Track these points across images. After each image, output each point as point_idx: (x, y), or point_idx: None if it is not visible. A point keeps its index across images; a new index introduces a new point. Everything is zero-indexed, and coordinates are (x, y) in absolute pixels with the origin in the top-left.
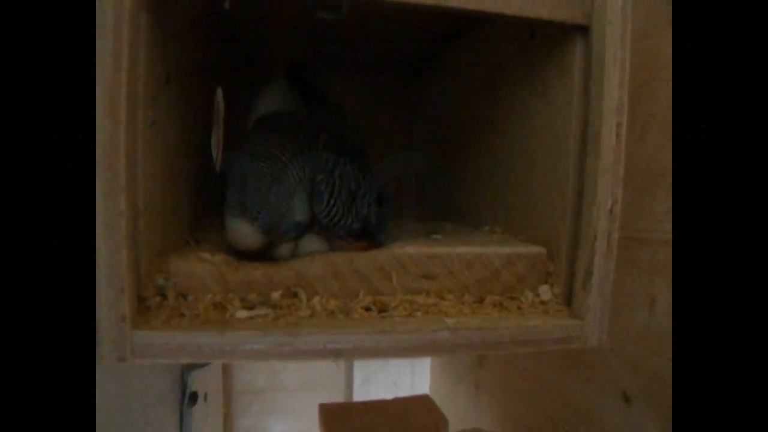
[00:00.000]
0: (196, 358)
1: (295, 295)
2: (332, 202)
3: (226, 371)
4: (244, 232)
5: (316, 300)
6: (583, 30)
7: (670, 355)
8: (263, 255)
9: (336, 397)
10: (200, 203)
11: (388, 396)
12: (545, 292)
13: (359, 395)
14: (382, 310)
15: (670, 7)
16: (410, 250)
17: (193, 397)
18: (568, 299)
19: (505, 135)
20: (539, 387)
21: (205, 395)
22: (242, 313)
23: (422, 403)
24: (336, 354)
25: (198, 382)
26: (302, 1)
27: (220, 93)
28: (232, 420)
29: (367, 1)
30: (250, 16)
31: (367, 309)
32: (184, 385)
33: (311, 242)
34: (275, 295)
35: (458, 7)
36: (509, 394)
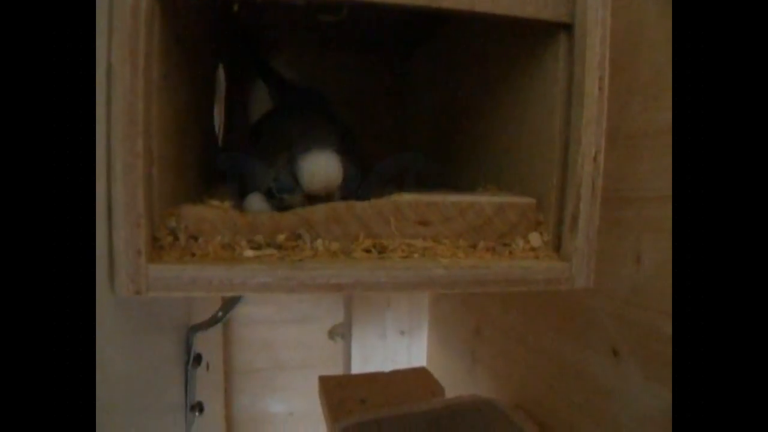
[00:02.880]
0: (208, 291)
1: (299, 237)
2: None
3: (227, 350)
4: (333, 164)
5: (319, 242)
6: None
7: (656, 307)
8: None
9: None
10: (203, 173)
11: None
12: (535, 239)
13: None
14: (381, 251)
15: None
16: (407, 197)
17: (198, 359)
18: (557, 246)
19: (497, 101)
20: (534, 352)
21: (208, 365)
22: (249, 253)
23: (419, 373)
24: (338, 288)
25: (202, 349)
26: (305, 6)
27: (221, 70)
28: (232, 399)
29: (363, 4)
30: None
31: (367, 251)
32: (188, 347)
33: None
34: (280, 237)
35: (450, 7)
36: (505, 362)
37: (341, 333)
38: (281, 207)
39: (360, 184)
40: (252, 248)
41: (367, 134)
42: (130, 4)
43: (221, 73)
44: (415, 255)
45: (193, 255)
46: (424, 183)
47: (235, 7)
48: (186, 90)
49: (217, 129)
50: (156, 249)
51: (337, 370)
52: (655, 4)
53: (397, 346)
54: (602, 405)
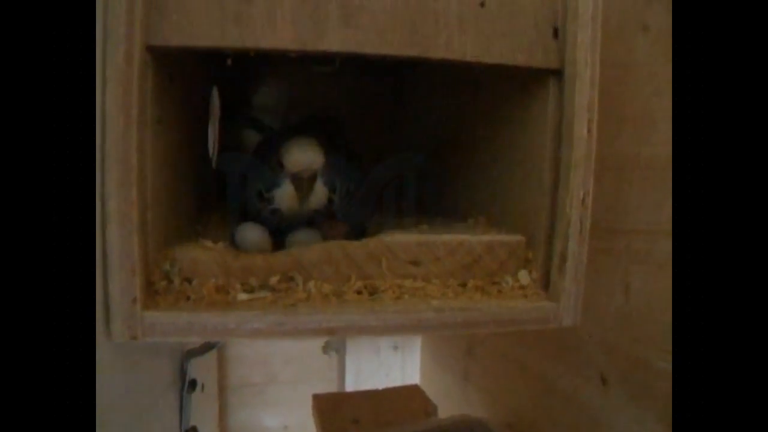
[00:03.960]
0: (203, 336)
1: (292, 279)
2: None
3: (221, 366)
4: (312, 146)
5: (311, 284)
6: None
7: (643, 338)
8: None
9: (329, 389)
10: (200, 197)
11: (380, 387)
12: (524, 277)
13: (351, 387)
14: (373, 293)
15: (643, 11)
16: (399, 237)
17: (193, 384)
18: (546, 284)
19: (488, 136)
20: (525, 374)
21: (203, 386)
22: (243, 296)
23: (412, 391)
24: (330, 332)
25: (196, 370)
26: (301, 58)
27: (215, 92)
28: (227, 413)
29: (357, 55)
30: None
31: (359, 292)
32: (184, 373)
33: (307, 234)
34: (273, 279)
35: (442, 57)
36: (496, 382)
37: (335, 348)
38: (272, 218)
39: (357, 191)
40: (245, 291)
41: (362, 153)
42: (123, 53)
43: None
44: (406, 296)
45: (188, 298)
46: (422, 205)
47: (229, 61)
48: (180, 126)
49: (211, 148)
50: (151, 294)
51: (331, 385)
52: (644, 44)
53: (390, 361)
54: (591, 431)
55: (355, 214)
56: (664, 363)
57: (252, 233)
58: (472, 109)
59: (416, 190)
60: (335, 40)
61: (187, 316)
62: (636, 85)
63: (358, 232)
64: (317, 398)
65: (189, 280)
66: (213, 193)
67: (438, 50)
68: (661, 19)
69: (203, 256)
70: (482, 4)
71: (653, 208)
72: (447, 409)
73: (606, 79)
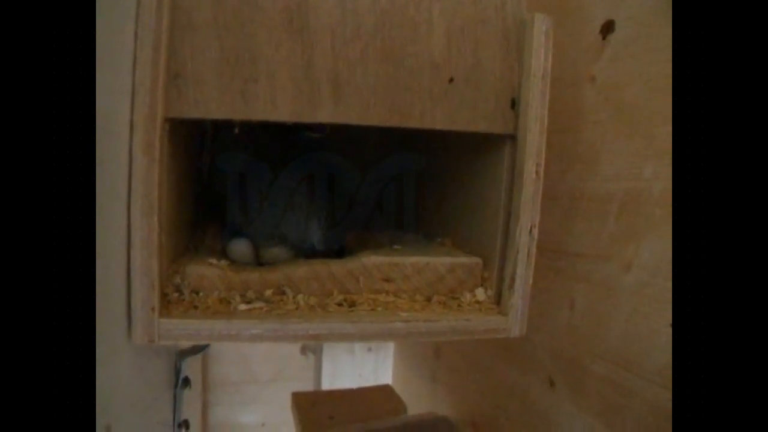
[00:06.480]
0: (209, 340)
1: (284, 292)
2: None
3: (204, 364)
4: (244, 250)
5: (300, 297)
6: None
7: (585, 346)
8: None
9: (305, 389)
10: (195, 213)
11: (354, 387)
12: (480, 293)
13: (327, 387)
14: (352, 305)
15: (590, 65)
16: (374, 259)
17: (186, 382)
18: (498, 300)
19: (456, 169)
20: (485, 377)
21: (190, 382)
22: (243, 306)
23: (384, 391)
24: (316, 338)
25: (187, 369)
26: (293, 126)
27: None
28: (208, 409)
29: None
30: None
31: (340, 305)
32: (178, 371)
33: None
34: (268, 292)
35: (417, 126)
36: (461, 383)
37: (312, 348)
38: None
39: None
40: (245, 302)
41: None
42: (147, 125)
43: None
44: (379, 308)
45: (196, 308)
46: (398, 222)
47: (236, 130)
48: (184, 155)
49: (204, 166)
50: (165, 303)
51: (307, 384)
52: (591, 92)
53: (364, 361)
54: (541, 428)
55: (332, 240)
56: (596, 366)
57: (240, 247)
58: (442, 147)
59: (396, 207)
60: (326, 113)
61: (197, 323)
62: (584, 129)
63: (338, 252)
64: (296, 396)
65: (197, 292)
66: (205, 208)
67: (413, 120)
68: (605, 71)
69: (208, 271)
70: (451, 81)
71: (594, 235)
72: (416, 407)
73: (560, 123)
